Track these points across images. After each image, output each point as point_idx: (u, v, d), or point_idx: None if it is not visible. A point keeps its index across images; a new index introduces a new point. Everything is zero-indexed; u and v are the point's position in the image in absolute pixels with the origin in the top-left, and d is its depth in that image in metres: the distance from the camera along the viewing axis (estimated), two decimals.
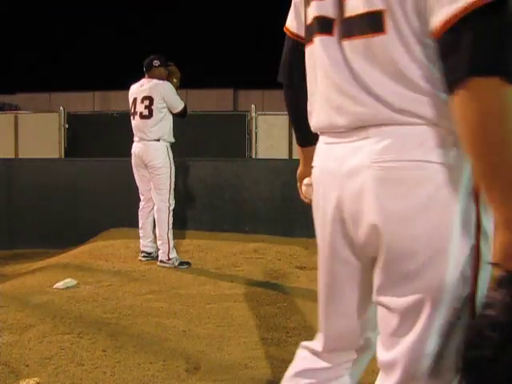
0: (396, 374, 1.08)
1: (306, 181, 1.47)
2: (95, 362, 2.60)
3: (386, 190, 1.04)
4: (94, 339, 2.88)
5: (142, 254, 4.98)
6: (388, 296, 1.08)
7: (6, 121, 7.86)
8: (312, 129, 1.28)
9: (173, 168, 4.79)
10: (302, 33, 1.30)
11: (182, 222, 5.97)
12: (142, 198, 4.96)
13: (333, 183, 1.15)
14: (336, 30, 1.12)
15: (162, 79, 4.82)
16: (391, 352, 1.09)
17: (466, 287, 1.02)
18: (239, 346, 2.86)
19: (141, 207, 4.97)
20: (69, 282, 4.05)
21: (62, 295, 3.76)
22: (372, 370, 1.30)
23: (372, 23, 1.04)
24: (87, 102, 18.51)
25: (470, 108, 0.91)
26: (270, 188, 6.15)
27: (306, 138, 1.42)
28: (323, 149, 1.22)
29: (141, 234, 4.99)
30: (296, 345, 3.01)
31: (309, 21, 1.21)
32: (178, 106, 4.82)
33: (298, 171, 1.53)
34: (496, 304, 0.90)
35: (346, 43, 1.10)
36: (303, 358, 1.37)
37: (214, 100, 18.42)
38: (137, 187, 4.95)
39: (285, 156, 7.34)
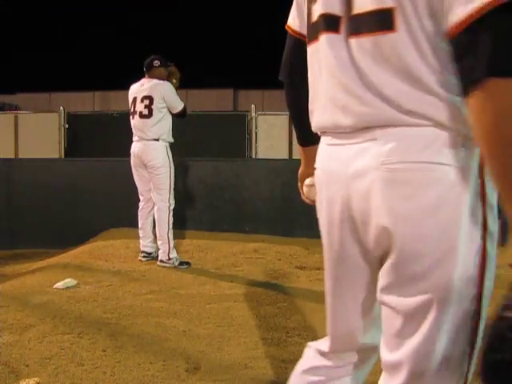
0: (401, 375, 1.08)
1: (307, 181, 1.45)
2: (95, 362, 2.60)
3: (394, 191, 1.03)
4: (93, 339, 2.88)
5: (142, 254, 4.98)
6: (395, 296, 1.08)
7: (6, 121, 7.87)
8: (313, 129, 1.26)
9: (172, 168, 4.79)
10: (304, 31, 1.29)
11: (181, 222, 5.97)
12: (141, 198, 4.96)
13: (338, 185, 1.14)
14: (343, 27, 1.11)
15: (162, 79, 4.82)
16: (396, 353, 1.09)
17: (472, 287, 1.03)
18: (239, 346, 2.86)
19: (140, 207, 4.97)
20: (69, 281, 4.05)
21: (62, 295, 3.76)
22: (375, 370, 1.30)
23: (381, 21, 1.02)
24: (87, 102, 18.51)
25: (486, 109, 0.90)
26: (270, 188, 6.15)
27: (308, 137, 1.40)
28: (326, 150, 1.21)
29: (140, 235, 4.99)
30: (296, 345, 3.03)
31: (314, 18, 1.19)
32: (178, 106, 4.82)
33: (300, 171, 1.51)
34: None
35: (353, 41, 1.08)
36: (311, 356, 1.35)
37: (214, 100, 18.42)
38: (136, 187, 4.96)
39: (285, 156, 7.34)
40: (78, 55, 23.39)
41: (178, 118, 4.91)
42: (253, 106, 7.58)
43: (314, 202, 1.40)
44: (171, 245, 4.75)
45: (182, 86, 5.06)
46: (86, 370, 2.51)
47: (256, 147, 7.41)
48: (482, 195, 1.02)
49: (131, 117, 4.82)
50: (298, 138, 1.49)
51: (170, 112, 4.81)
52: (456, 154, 1.01)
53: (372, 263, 1.17)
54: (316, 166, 1.26)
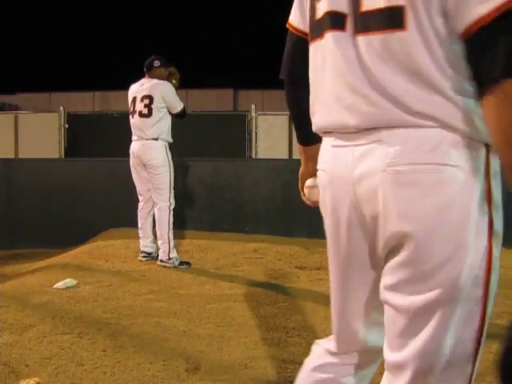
0: (405, 375, 1.07)
1: (308, 183, 1.42)
2: (95, 362, 2.60)
3: (403, 194, 1.03)
4: (93, 339, 2.88)
5: (142, 255, 4.98)
6: (401, 294, 1.07)
7: (6, 121, 7.87)
8: (314, 128, 1.25)
9: (172, 167, 4.79)
10: (306, 29, 1.27)
11: (181, 221, 5.97)
12: (140, 198, 4.96)
13: (343, 187, 1.13)
14: (349, 25, 1.09)
15: (163, 79, 4.83)
16: (400, 353, 1.09)
17: (479, 287, 1.03)
18: (239, 346, 2.86)
19: (140, 208, 4.96)
20: (69, 281, 4.05)
21: (62, 295, 3.76)
22: (380, 370, 1.30)
23: (392, 18, 1.01)
24: (87, 102, 18.52)
25: (504, 109, 0.90)
26: (270, 188, 6.15)
27: (308, 136, 1.38)
28: (330, 151, 1.19)
29: (140, 235, 4.99)
30: (296, 345, 3.03)
31: (318, 16, 1.18)
32: (178, 106, 4.83)
33: (300, 171, 1.48)
34: None
35: (361, 39, 1.07)
36: (319, 354, 1.35)
37: (214, 100, 18.42)
38: (135, 187, 4.95)
39: (285, 156, 7.35)
40: (78, 55, 23.39)
41: (178, 119, 4.91)
42: (253, 106, 7.58)
43: (315, 203, 1.39)
44: (171, 244, 4.75)
45: (182, 86, 5.06)
46: (86, 370, 2.51)
47: (256, 147, 7.41)
48: (488, 195, 1.02)
49: (131, 116, 4.83)
50: (299, 137, 1.46)
51: (170, 112, 4.82)
52: (462, 155, 1.01)
53: (378, 263, 1.17)
54: (319, 167, 1.25)
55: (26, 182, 6.41)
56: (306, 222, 5.86)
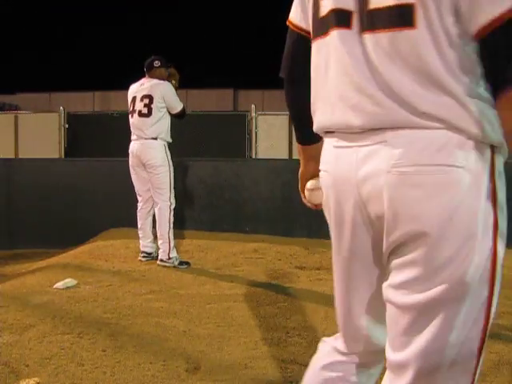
0: (408, 375, 1.07)
1: (309, 185, 1.38)
2: (95, 362, 2.60)
3: (410, 195, 1.03)
4: (93, 339, 2.88)
5: (142, 255, 4.98)
6: (407, 293, 1.07)
7: (6, 121, 7.87)
8: (316, 128, 1.24)
9: (171, 166, 4.80)
10: (307, 26, 1.26)
11: (181, 221, 5.97)
12: (139, 198, 4.95)
13: (347, 188, 1.13)
14: (355, 23, 1.08)
15: (163, 79, 4.83)
16: (402, 352, 1.08)
17: (484, 288, 1.03)
18: (239, 346, 2.86)
19: (139, 208, 4.96)
20: (69, 281, 4.05)
21: (62, 295, 3.76)
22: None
23: (401, 16, 1.00)
24: (87, 102, 18.52)
25: None
26: (270, 188, 6.15)
27: (308, 135, 1.37)
28: (332, 152, 1.18)
29: (140, 235, 4.99)
30: (296, 345, 3.03)
31: (322, 13, 1.16)
32: (177, 107, 4.83)
33: (300, 172, 1.46)
34: None
35: (368, 37, 1.06)
36: (327, 352, 1.34)
37: (214, 100, 18.43)
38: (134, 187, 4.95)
39: (285, 156, 7.35)
40: (78, 55, 23.40)
41: (177, 119, 4.92)
42: (253, 106, 7.58)
43: (316, 205, 1.38)
44: (172, 244, 4.75)
45: (182, 86, 5.06)
46: (86, 370, 2.51)
47: (256, 147, 7.41)
48: (493, 196, 1.03)
49: (130, 116, 4.83)
50: (298, 136, 1.44)
51: (169, 112, 4.82)
52: (468, 156, 1.01)
53: (381, 262, 1.17)
54: (321, 167, 1.25)
55: (26, 181, 6.41)
56: (305, 222, 5.85)
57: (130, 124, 4.82)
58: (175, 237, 4.88)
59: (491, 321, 1.06)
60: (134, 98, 4.81)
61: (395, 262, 1.10)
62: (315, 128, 1.24)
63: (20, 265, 5.29)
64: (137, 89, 4.84)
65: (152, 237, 4.99)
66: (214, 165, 6.37)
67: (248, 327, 3.16)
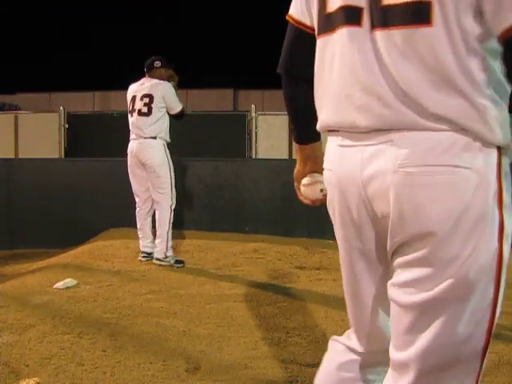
0: (411, 374, 1.07)
1: (304, 181, 1.39)
2: (95, 362, 2.60)
3: (417, 195, 1.03)
4: (93, 339, 2.88)
5: (142, 255, 4.98)
6: (412, 292, 1.07)
7: (6, 121, 7.86)
8: (319, 126, 1.22)
9: (171, 166, 4.80)
10: (308, 21, 1.24)
11: (181, 221, 5.97)
12: (137, 199, 4.92)
13: (352, 187, 1.13)
14: (365, 20, 1.06)
15: (163, 80, 4.83)
16: (405, 352, 1.08)
17: (490, 288, 1.04)
18: (239, 346, 2.85)
19: (138, 209, 4.94)
20: (69, 282, 4.05)
21: (62, 295, 3.76)
22: None
23: (417, 13, 0.99)
24: (87, 102, 18.51)
25: None
26: (270, 188, 6.15)
27: (307, 134, 1.35)
28: (337, 151, 1.17)
29: (140, 235, 4.99)
30: (296, 345, 3.03)
31: (329, 9, 1.13)
32: (177, 107, 4.83)
33: (296, 170, 1.43)
34: None
35: (380, 34, 1.04)
36: (341, 351, 1.33)
37: (214, 100, 18.42)
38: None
39: (285, 156, 7.34)
40: (77, 55, 23.39)
41: (176, 120, 4.92)
42: (253, 106, 7.58)
43: (312, 201, 1.38)
44: (169, 244, 4.76)
45: (182, 86, 5.07)
46: (86, 370, 2.51)
47: (256, 147, 7.41)
48: (500, 197, 1.03)
49: (129, 115, 4.82)
50: (296, 135, 1.40)
51: (168, 113, 4.82)
52: (474, 157, 1.01)
53: (386, 260, 1.17)
54: (325, 166, 1.24)
55: (26, 181, 6.40)
56: (305, 222, 5.85)
57: (130, 123, 4.82)
58: (175, 237, 4.89)
59: (496, 321, 1.06)
60: (133, 98, 4.81)
61: (399, 260, 1.10)
62: (319, 126, 1.23)
63: (20, 265, 5.29)
64: (137, 88, 4.84)
65: (152, 237, 4.98)
66: (214, 165, 6.37)
67: (248, 327, 3.16)
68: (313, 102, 1.25)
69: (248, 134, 7.78)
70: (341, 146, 1.16)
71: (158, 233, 4.79)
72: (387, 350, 1.23)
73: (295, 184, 1.43)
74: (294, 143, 1.43)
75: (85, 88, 18.76)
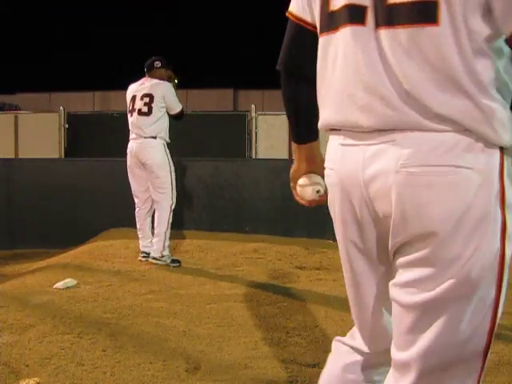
0: (412, 374, 1.07)
1: (300, 181, 1.37)
2: (95, 362, 2.60)
3: (419, 195, 1.03)
4: (94, 339, 2.88)
5: (142, 255, 4.97)
6: (413, 292, 1.07)
7: (6, 121, 7.86)
8: (320, 124, 1.22)
9: (172, 166, 4.80)
10: (309, 18, 1.22)
11: (181, 221, 5.97)
12: (136, 200, 4.91)
13: (354, 186, 1.12)
14: (370, 18, 1.05)
15: (163, 80, 4.84)
16: (406, 351, 1.08)
17: (491, 288, 1.04)
18: (239, 346, 2.85)
19: (137, 209, 4.93)
20: (69, 282, 4.05)
21: (62, 295, 3.76)
22: None
23: (423, 12, 0.98)
24: (87, 101, 18.52)
25: None
26: (270, 188, 6.15)
27: (304, 133, 1.34)
28: (338, 150, 1.17)
29: (140, 235, 4.98)
30: (296, 345, 3.03)
31: (333, 7, 1.12)
32: (176, 107, 4.83)
33: (292, 170, 1.40)
34: None
35: (385, 33, 1.03)
36: (345, 352, 1.32)
37: (214, 100, 18.43)
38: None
39: (285, 156, 7.34)
40: (78, 55, 23.39)
41: (175, 120, 4.92)
42: (253, 106, 7.57)
43: (308, 202, 1.37)
44: (166, 243, 4.76)
45: (181, 86, 5.07)
46: (86, 370, 2.51)
47: (256, 147, 7.41)
48: (502, 197, 1.03)
49: (129, 114, 4.82)
50: (295, 134, 1.37)
51: (168, 113, 4.82)
52: (477, 157, 1.01)
53: (387, 259, 1.17)
54: (327, 165, 1.23)
55: (26, 181, 6.41)
56: (305, 222, 5.85)
57: (129, 123, 4.82)
58: (175, 237, 4.89)
59: (498, 321, 1.06)
60: (133, 97, 4.81)
61: (401, 260, 1.10)
62: (320, 124, 1.22)
63: (20, 265, 5.29)
64: (137, 88, 4.84)
65: (152, 237, 4.98)
66: (214, 165, 6.37)
67: (248, 327, 3.16)
68: (312, 100, 1.24)
69: (248, 133, 7.78)
70: (342, 145, 1.16)
71: (155, 232, 4.79)
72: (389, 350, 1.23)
73: (291, 184, 1.41)
74: (293, 143, 1.40)
75: (85, 88, 18.76)
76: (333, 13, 1.13)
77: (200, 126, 7.84)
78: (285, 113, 1.37)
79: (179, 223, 5.77)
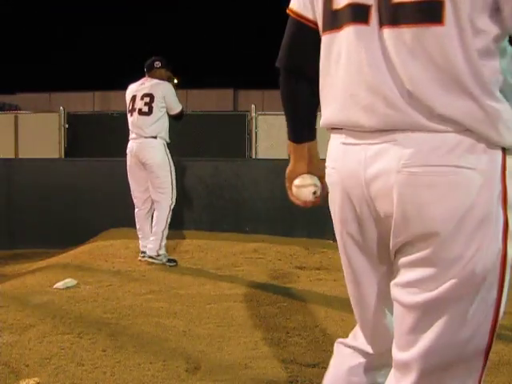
0: (413, 374, 1.07)
1: (296, 182, 1.35)
2: (95, 362, 2.60)
3: (421, 195, 1.03)
4: (94, 339, 2.88)
5: (142, 255, 4.97)
6: (415, 292, 1.07)
7: (6, 121, 7.86)
8: (323, 122, 1.21)
9: (172, 165, 4.79)
10: (311, 15, 1.21)
11: (181, 221, 5.97)
12: (135, 200, 4.90)
13: (355, 185, 1.12)
14: (373, 17, 1.05)
15: (163, 80, 4.84)
16: (408, 351, 1.08)
17: (493, 289, 1.04)
18: (239, 346, 2.85)
19: (137, 209, 4.92)
20: (69, 282, 4.05)
21: (62, 295, 3.76)
22: None
23: (429, 11, 0.97)
24: (87, 101, 18.54)
25: None
26: (270, 188, 6.15)
27: (302, 132, 1.32)
28: (340, 149, 1.17)
29: (140, 235, 4.98)
30: (296, 345, 3.03)
31: (336, 5, 1.11)
32: (176, 108, 4.83)
33: (288, 169, 1.38)
34: None
35: (389, 32, 1.02)
36: (349, 354, 1.32)
37: (214, 100, 18.45)
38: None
39: (285, 156, 7.31)
40: (78, 55, 23.40)
41: (174, 120, 4.92)
42: (253, 106, 7.57)
43: (303, 203, 1.36)
44: (163, 242, 4.76)
45: (182, 85, 5.07)
46: (86, 370, 2.51)
47: (256, 147, 7.40)
48: (504, 197, 1.02)
49: (129, 114, 4.81)
50: (292, 133, 1.34)
51: (167, 113, 4.82)
52: (479, 157, 1.01)
53: (388, 259, 1.17)
54: (328, 164, 1.23)
55: (26, 181, 6.40)
56: (305, 222, 5.85)
57: (129, 123, 4.81)
58: (175, 237, 4.88)
59: (499, 321, 1.06)
60: (133, 97, 4.80)
61: (402, 260, 1.10)
62: (322, 123, 1.22)
63: (20, 265, 5.29)
64: (137, 88, 4.83)
65: None
66: (214, 165, 6.37)
67: (248, 327, 3.16)
68: (311, 99, 1.24)
69: (248, 133, 7.78)
70: (344, 143, 1.15)
71: (153, 230, 4.78)
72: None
73: (287, 184, 1.39)
74: (289, 142, 1.36)
75: (85, 88, 18.79)
76: (336, 11, 1.12)
77: (200, 126, 7.84)
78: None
79: (179, 223, 5.77)
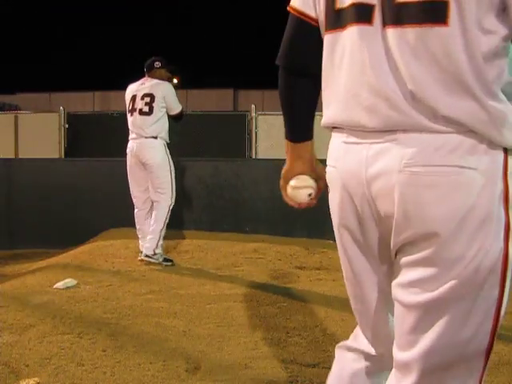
0: (414, 374, 1.07)
1: (292, 183, 1.32)
2: (95, 362, 2.60)
3: (422, 195, 1.03)
4: (94, 339, 2.88)
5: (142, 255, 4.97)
6: (416, 292, 1.06)
7: (6, 121, 7.86)
8: (324, 121, 1.20)
9: (172, 166, 4.79)
10: (313, 13, 1.20)
11: (181, 221, 5.97)
12: (134, 201, 4.89)
13: (356, 184, 1.12)
14: (377, 17, 1.04)
15: (163, 80, 4.84)
16: (408, 351, 1.08)
17: (494, 289, 1.03)
18: (239, 346, 2.85)
19: (137, 210, 4.91)
20: (69, 282, 4.05)
21: (62, 295, 3.76)
22: None
23: (433, 12, 0.97)
24: (87, 101, 18.55)
25: None
26: (270, 188, 6.14)
27: (300, 131, 1.31)
28: (341, 148, 1.16)
29: (139, 235, 4.98)
30: (296, 345, 3.03)
31: (340, 5, 1.11)
32: (176, 108, 4.83)
33: (284, 169, 1.35)
34: None
35: (392, 32, 1.02)
36: (352, 357, 1.31)
37: (214, 100, 18.46)
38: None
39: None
40: (78, 55, 23.41)
41: (174, 121, 4.91)
42: (253, 106, 7.57)
43: (297, 204, 1.34)
44: (160, 242, 4.74)
45: (182, 85, 5.08)
46: (86, 370, 2.51)
47: (256, 147, 7.40)
48: (506, 197, 1.02)
49: (129, 114, 4.81)
50: (290, 132, 1.32)
51: (167, 113, 4.82)
52: (480, 158, 1.00)
53: (388, 259, 1.17)
54: (329, 163, 1.22)
55: (26, 181, 6.40)
56: (305, 222, 5.85)
57: (129, 123, 4.80)
58: (175, 237, 4.88)
59: (501, 322, 1.06)
60: (133, 97, 4.80)
61: (403, 260, 1.09)
62: (323, 122, 1.21)
63: (20, 265, 5.29)
64: (137, 88, 4.83)
65: None
66: (214, 165, 6.37)
67: (248, 327, 3.16)
68: (310, 97, 1.24)
69: (248, 134, 7.78)
70: (346, 142, 1.15)
71: (151, 229, 4.76)
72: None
73: (281, 183, 1.36)
74: (286, 141, 1.34)
75: (85, 88, 18.80)
76: (340, 10, 1.11)
77: (200, 126, 7.84)
78: None
79: (179, 223, 5.77)
